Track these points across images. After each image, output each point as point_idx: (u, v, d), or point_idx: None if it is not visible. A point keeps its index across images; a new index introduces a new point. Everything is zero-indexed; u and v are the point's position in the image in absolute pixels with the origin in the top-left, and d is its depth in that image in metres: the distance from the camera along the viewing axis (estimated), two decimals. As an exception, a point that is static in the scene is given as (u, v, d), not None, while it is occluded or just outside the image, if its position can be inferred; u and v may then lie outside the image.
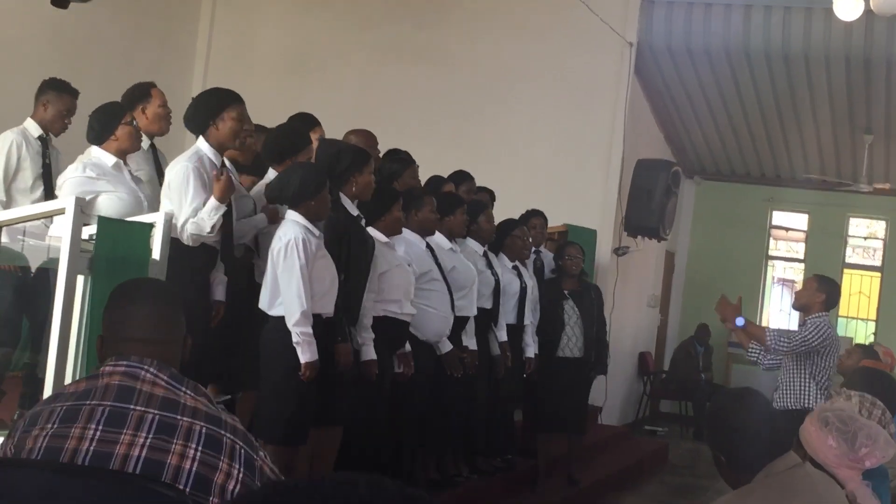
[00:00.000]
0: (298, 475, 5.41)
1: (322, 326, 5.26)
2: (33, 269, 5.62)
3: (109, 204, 5.35)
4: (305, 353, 5.09)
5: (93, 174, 5.40)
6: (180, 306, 2.60)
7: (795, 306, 6.97)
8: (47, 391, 4.56)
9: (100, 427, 2.31)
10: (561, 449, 8.41)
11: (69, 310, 4.58)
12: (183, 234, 5.16)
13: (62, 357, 4.58)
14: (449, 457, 7.21)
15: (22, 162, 6.21)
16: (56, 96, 6.28)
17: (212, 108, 5.38)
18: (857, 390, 4.02)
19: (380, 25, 11.64)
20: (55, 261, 4.69)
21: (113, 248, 4.71)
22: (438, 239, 6.75)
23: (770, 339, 6.56)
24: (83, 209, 4.79)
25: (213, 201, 5.21)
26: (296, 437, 5.25)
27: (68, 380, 4.59)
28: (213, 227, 5.19)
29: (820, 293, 6.64)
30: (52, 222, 5.17)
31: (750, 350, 6.78)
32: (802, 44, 11.54)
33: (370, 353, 5.72)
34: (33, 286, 5.81)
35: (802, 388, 6.53)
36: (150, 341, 2.48)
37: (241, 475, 2.31)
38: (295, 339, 5.09)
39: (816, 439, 3.47)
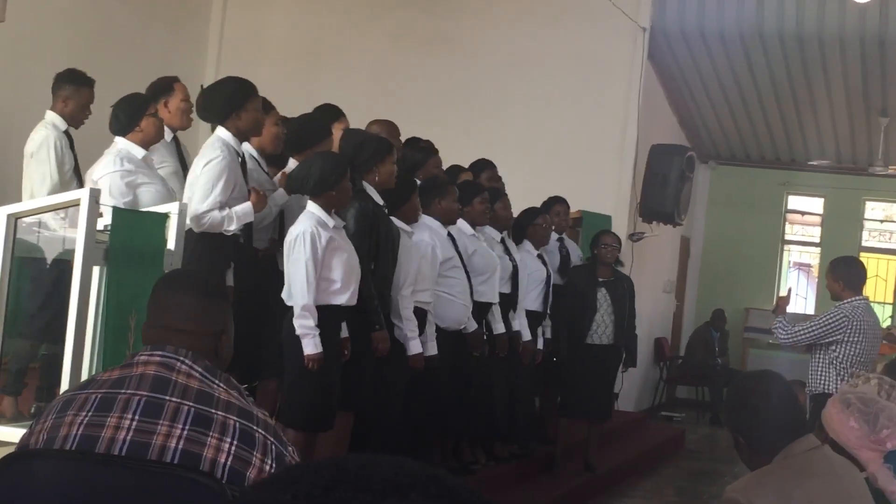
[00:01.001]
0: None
1: (343, 317, 5.31)
2: (49, 261, 5.63)
3: (149, 196, 5.38)
4: (308, 346, 5.14)
5: (131, 167, 5.42)
6: (221, 301, 2.62)
7: (832, 298, 6.85)
8: (64, 382, 4.58)
9: (136, 417, 2.34)
10: (579, 434, 8.41)
11: (85, 300, 4.60)
12: (198, 221, 5.17)
13: (79, 348, 4.60)
14: (466, 443, 7.23)
15: (63, 158, 6.22)
16: (75, 90, 6.26)
17: (236, 99, 5.43)
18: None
19: (391, 12, 11.62)
20: (71, 252, 4.71)
21: (128, 238, 4.72)
22: (461, 225, 6.79)
23: (777, 327, 6.56)
24: (130, 202, 4.85)
25: (248, 206, 5.30)
26: (320, 424, 5.32)
27: (85, 370, 4.61)
28: (234, 230, 5.28)
29: (837, 282, 6.56)
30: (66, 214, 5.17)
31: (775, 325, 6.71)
32: (816, 25, 11.49)
33: (417, 347, 5.85)
34: (49, 278, 5.82)
35: (822, 373, 6.49)
36: (182, 331, 2.49)
37: (272, 470, 2.34)
38: (297, 331, 5.15)
39: (838, 421, 3.46)
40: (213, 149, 5.34)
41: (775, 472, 3.03)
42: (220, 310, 2.59)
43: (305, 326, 5.14)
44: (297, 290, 5.15)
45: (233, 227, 5.27)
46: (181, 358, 2.43)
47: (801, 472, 2.99)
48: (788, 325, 6.57)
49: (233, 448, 2.32)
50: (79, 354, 4.61)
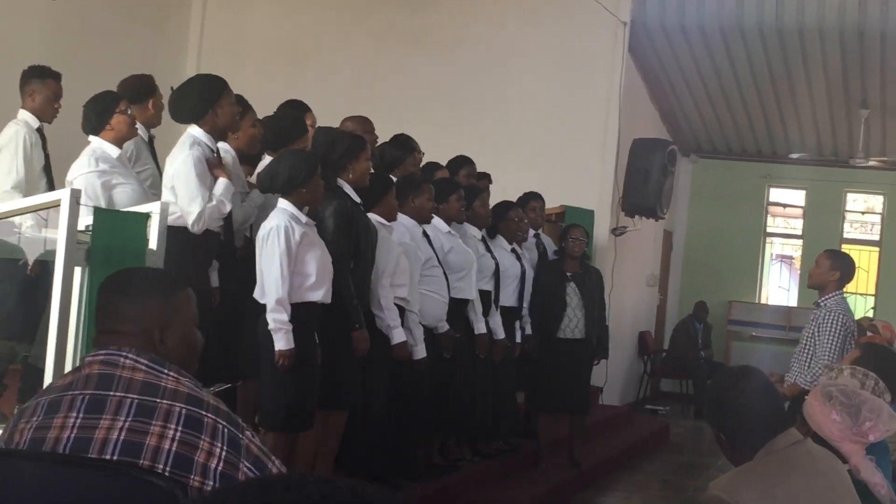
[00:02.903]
0: (303, 461, 5.45)
1: (318, 314, 5.28)
2: (30, 262, 5.61)
3: (125, 196, 5.35)
4: (280, 341, 5.09)
5: (105, 166, 5.40)
6: (159, 296, 2.56)
7: (810, 285, 6.73)
8: (47, 384, 4.56)
9: (80, 415, 2.35)
10: (563, 430, 8.42)
11: (67, 302, 4.57)
12: (199, 222, 5.12)
13: (61, 349, 4.57)
14: (451, 441, 7.23)
15: (33, 154, 6.20)
16: (41, 83, 6.26)
17: (209, 96, 5.35)
18: (868, 368, 3.99)
19: (373, 11, 11.60)
20: (52, 253, 4.68)
21: (109, 238, 4.69)
22: (436, 222, 6.76)
23: (812, 382, 6.21)
24: (105, 203, 4.81)
25: (224, 181, 5.23)
26: (298, 423, 5.27)
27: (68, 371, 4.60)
28: (229, 208, 5.24)
29: (834, 271, 6.47)
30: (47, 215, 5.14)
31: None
32: (796, 18, 11.52)
33: (400, 336, 5.83)
34: (31, 279, 5.79)
35: (814, 369, 6.46)
36: (121, 333, 2.49)
37: (223, 453, 2.33)
38: (270, 325, 5.10)
39: (820, 414, 3.47)
40: (182, 147, 5.30)
41: (758, 468, 3.04)
42: (157, 305, 2.54)
43: (279, 321, 5.08)
44: (271, 283, 5.10)
45: (227, 207, 5.24)
46: (123, 353, 2.43)
47: (783, 467, 3.00)
48: (811, 370, 6.36)
49: (178, 434, 2.31)
50: (61, 356, 4.58)
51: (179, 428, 2.31)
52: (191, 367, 2.55)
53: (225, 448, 2.33)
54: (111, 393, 2.36)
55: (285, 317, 5.09)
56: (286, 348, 5.09)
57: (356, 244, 5.57)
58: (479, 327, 7.07)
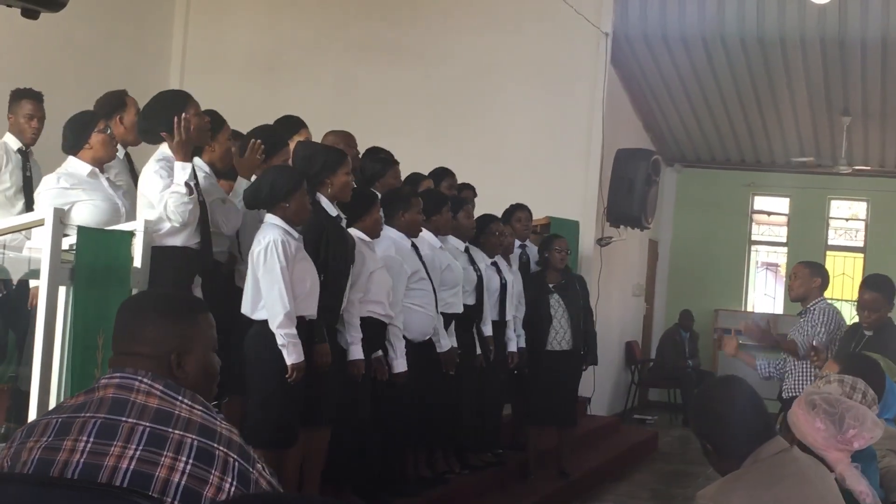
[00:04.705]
0: (289, 478, 5.43)
1: (306, 328, 5.26)
2: (14, 282, 5.59)
3: (85, 212, 5.30)
4: (291, 355, 5.09)
5: (66, 184, 5.35)
6: (179, 320, 2.53)
7: (793, 297, 6.93)
8: (32, 403, 4.55)
9: (91, 439, 2.31)
10: (551, 441, 8.42)
11: (52, 321, 4.57)
12: (168, 212, 4.99)
13: (46, 369, 4.56)
14: (439, 453, 7.22)
15: (0, 176, 6.19)
16: (16, 104, 6.32)
17: (172, 111, 5.16)
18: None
19: (354, 24, 11.62)
20: (36, 272, 4.67)
21: (93, 257, 4.69)
22: (429, 237, 6.76)
23: (761, 371, 6.68)
24: (60, 220, 4.75)
25: (180, 164, 5.06)
26: (284, 440, 5.25)
27: (53, 391, 4.59)
28: (189, 188, 5.01)
29: (815, 278, 6.72)
30: (30, 235, 5.13)
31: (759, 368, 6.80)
32: (777, 27, 11.60)
33: (357, 353, 5.74)
34: (15, 299, 5.77)
35: (810, 375, 6.53)
36: (138, 355, 2.46)
37: (232, 488, 2.30)
38: (280, 341, 5.09)
39: (804, 422, 3.47)
40: (149, 163, 5.20)
41: (745, 476, 3.04)
42: (176, 329, 2.51)
43: (289, 335, 5.08)
44: (276, 299, 5.07)
45: (183, 187, 5.01)
46: (139, 377, 2.41)
47: (770, 475, 3.01)
48: (766, 367, 6.68)
49: (188, 467, 2.28)
50: (46, 375, 4.58)
51: (190, 461, 2.28)
52: (208, 393, 2.51)
53: (234, 483, 2.30)
54: (123, 419, 2.33)
55: (294, 330, 5.10)
56: (298, 361, 5.10)
57: (325, 258, 5.51)
58: (444, 344, 6.90)
